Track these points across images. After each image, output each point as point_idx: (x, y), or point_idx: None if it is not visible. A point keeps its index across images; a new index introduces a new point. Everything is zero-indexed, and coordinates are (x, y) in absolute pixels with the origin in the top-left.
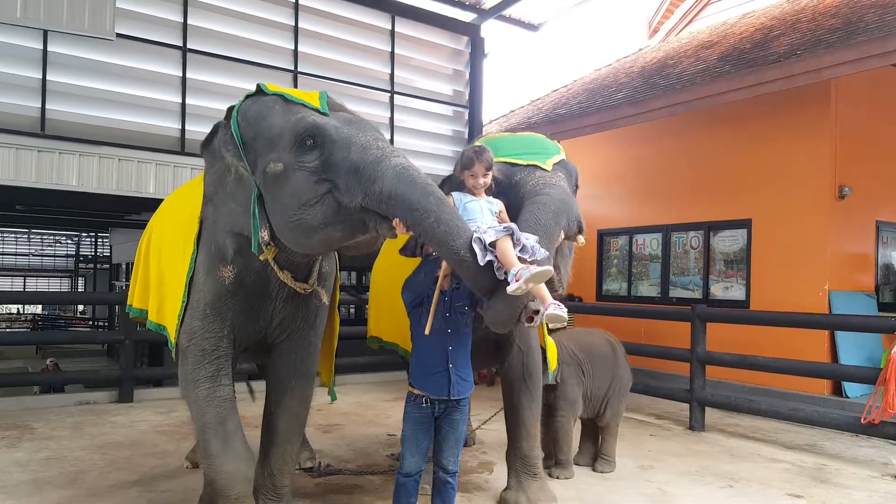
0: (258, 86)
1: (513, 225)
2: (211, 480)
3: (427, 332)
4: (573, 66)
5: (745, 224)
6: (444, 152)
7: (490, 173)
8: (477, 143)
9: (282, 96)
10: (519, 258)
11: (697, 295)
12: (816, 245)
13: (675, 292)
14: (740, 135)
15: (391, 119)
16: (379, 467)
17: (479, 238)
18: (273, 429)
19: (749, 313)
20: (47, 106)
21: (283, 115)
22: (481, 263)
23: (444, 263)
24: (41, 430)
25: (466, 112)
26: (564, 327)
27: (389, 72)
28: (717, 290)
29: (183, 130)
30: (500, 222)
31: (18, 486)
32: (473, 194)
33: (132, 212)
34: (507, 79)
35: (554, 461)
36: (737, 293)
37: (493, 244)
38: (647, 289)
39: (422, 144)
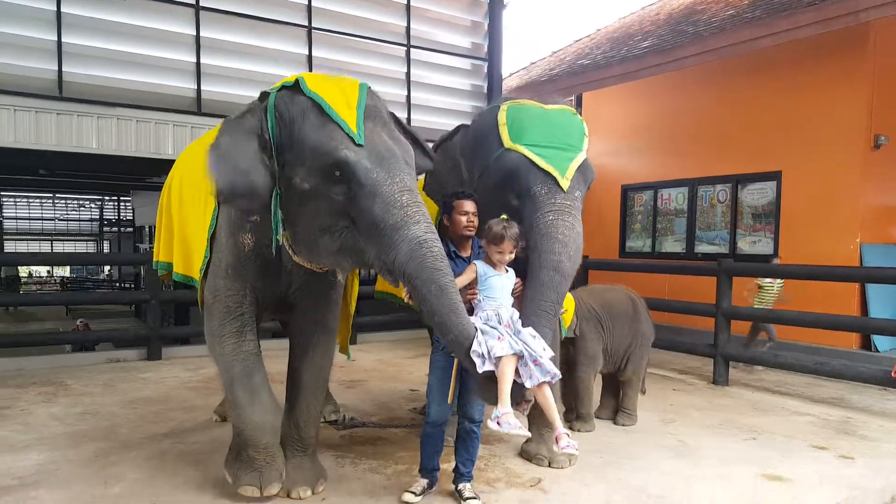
0: (297, 81)
1: (526, 346)
2: (239, 431)
3: (450, 400)
4: (596, 14)
5: (775, 176)
6: (462, 107)
7: (517, 247)
8: (503, 109)
9: (318, 104)
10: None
11: (724, 250)
12: (849, 197)
13: (701, 248)
14: (771, 83)
15: (408, 74)
16: (402, 420)
17: (481, 353)
18: (298, 383)
19: (776, 267)
20: (64, 68)
21: (316, 131)
22: (479, 372)
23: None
24: (75, 387)
25: (485, 65)
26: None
27: (406, 25)
28: (745, 245)
29: (199, 91)
30: (513, 294)
31: (56, 439)
32: (495, 267)
33: (152, 174)
34: (528, 30)
35: (575, 415)
36: (764, 248)
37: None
38: (672, 245)
39: (439, 100)
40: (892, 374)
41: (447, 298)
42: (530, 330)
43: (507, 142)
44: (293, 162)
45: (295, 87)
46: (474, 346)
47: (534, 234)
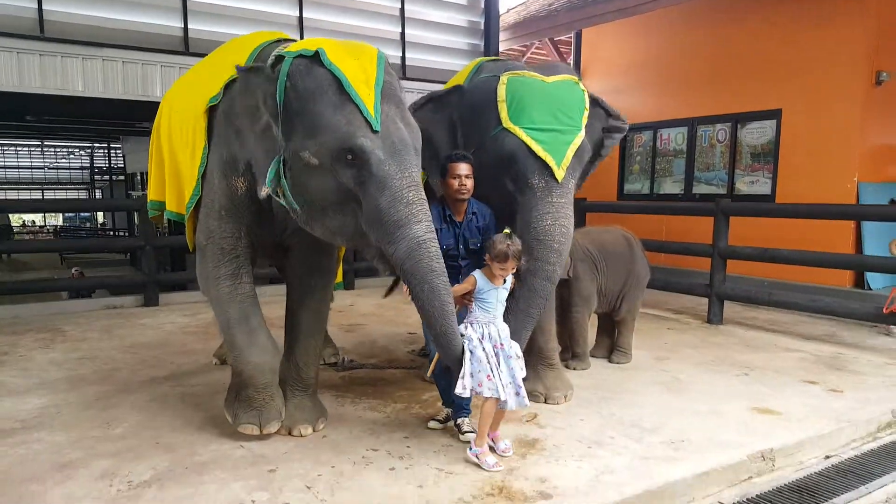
0: (318, 52)
1: (513, 377)
2: (238, 372)
3: (428, 374)
4: None
5: (775, 115)
6: (458, 45)
7: (519, 263)
8: (502, 82)
9: (338, 79)
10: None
11: (722, 191)
12: (849, 135)
13: (699, 188)
14: (771, 18)
15: (402, 10)
16: (400, 363)
17: (464, 385)
18: (296, 325)
19: (772, 206)
20: (44, 6)
21: (333, 110)
22: (456, 392)
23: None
24: (72, 333)
25: (482, 1)
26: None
27: None
28: (743, 186)
29: (186, 29)
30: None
31: (57, 383)
32: (494, 280)
33: (142, 119)
34: None
35: (571, 354)
36: (762, 188)
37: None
38: (671, 186)
39: (435, 38)
40: (885, 310)
41: (437, 300)
42: (516, 349)
43: (505, 121)
44: (303, 135)
45: (314, 57)
46: (463, 370)
47: (529, 235)
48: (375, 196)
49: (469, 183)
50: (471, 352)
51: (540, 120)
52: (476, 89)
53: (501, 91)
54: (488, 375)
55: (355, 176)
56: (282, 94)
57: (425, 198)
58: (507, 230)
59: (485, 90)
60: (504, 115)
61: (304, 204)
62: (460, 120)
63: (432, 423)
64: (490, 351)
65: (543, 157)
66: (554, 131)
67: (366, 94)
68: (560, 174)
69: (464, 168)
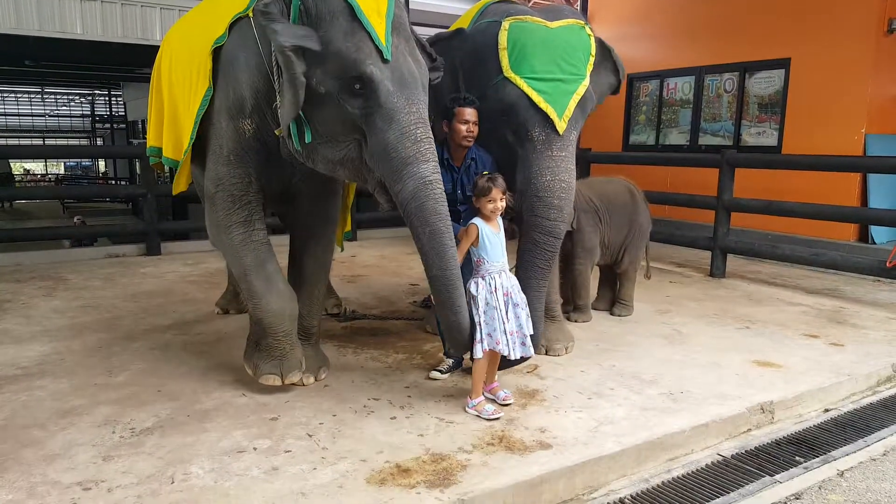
0: None
1: (520, 325)
2: (258, 320)
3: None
4: None
5: (784, 64)
6: None
7: (505, 194)
8: (504, 28)
9: (350, 5)
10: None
11: (728, 142)
12: (858, 84)
13: (705, 139)
14: None
15: None
16: (402, 313)
17: (479, 338)
18: (300, 274)
19: (778, 157)
20: None
21: (344, 37)
22: (472, 353)
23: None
24: (75, 281)
25: None
26: None
27: None
28: (749, 137)
29: None
30: None
31: (60, 331)
32: (490, 222)
33: (142, 64)
34: None
35: (573, 306)
36: (769, 139)
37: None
38: (676, 137)
39: None
40: (888, 264)
41: (437, 242)
42: (523, 298)
43: (506, 70)
44: (313, 61)
45: None
46: (479, 333)
47: (529, 191)
48: (383, 129)
49: (475, 129)
50: (483, 313)
51: (542, 69)
52: (478, 34)
53: (503, 38)
54: (508, 331)
55: (362, 106)
56: (295, 18)
57: (432, 136)
58: (485, 173)
59: (487, 35)
60: (505, 63)
61: (309, 134)
62: (461, 66)
63: (434, 374)
64: (500, 303)
65: (544, 109)
66: (556, 80)
67: (377, 22)
68: (561, 126)
69: (471, 114)
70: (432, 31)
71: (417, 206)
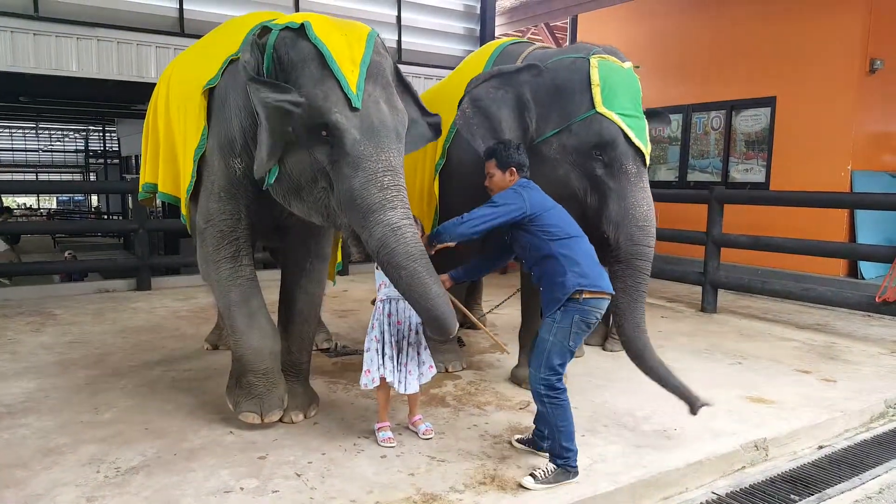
0: (304, 24)
1: (410, 384)
2: (239, 356)
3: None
4: None
5: (770, 102)
6: (454, 29)
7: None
8: (594, 66)
9: (321, 54)
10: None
11: (716, 178)
12: (842, 122)
13: (694, 176)
14: (768, 6)
15: None
16: None
17: (372, 379)
18: (291, 310)
19: (766, 193)
20: None
21: (313, 84)
22: (361, 385)
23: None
24: (64, 316)
25: None
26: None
27: None
28: (737, 174)
29: (181, 10)
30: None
31: (47, 367)
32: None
33: (137, 101)
34: None
35: None
36: (756, 176)
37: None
38: (665, 173)
39: (432, 21)
40: (876, 299)
41: (417, 282)
42: (418, 321)
43: (599, 105)
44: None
45: (300, 30)
46: (369, 364)
47: (629, 221)
48: (349, 176)
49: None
50: (379, 342)
51: (627, 106)
52: (562, 69)
53: (595, 75)
54: (401, 363)
55: (329, 155)
56: (269, 66)
57: (404, 185)
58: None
59: (573, 70)
60: (598, 99)
61: (282, 179)
62: (535, 99)
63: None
64: (394, 332)
65: (636, 144)
66: (635, 117)
67: (349, 70)
68: (647, 160)
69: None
70: (425, 72)
71: (387, 254)
